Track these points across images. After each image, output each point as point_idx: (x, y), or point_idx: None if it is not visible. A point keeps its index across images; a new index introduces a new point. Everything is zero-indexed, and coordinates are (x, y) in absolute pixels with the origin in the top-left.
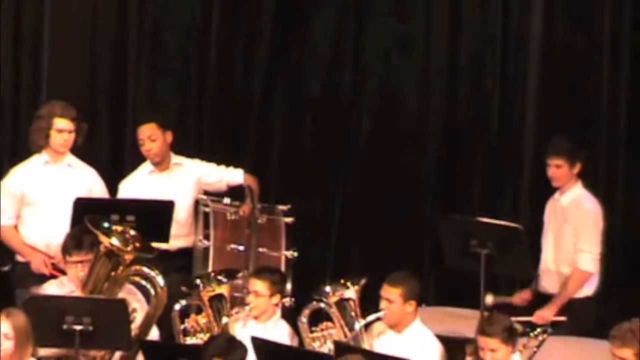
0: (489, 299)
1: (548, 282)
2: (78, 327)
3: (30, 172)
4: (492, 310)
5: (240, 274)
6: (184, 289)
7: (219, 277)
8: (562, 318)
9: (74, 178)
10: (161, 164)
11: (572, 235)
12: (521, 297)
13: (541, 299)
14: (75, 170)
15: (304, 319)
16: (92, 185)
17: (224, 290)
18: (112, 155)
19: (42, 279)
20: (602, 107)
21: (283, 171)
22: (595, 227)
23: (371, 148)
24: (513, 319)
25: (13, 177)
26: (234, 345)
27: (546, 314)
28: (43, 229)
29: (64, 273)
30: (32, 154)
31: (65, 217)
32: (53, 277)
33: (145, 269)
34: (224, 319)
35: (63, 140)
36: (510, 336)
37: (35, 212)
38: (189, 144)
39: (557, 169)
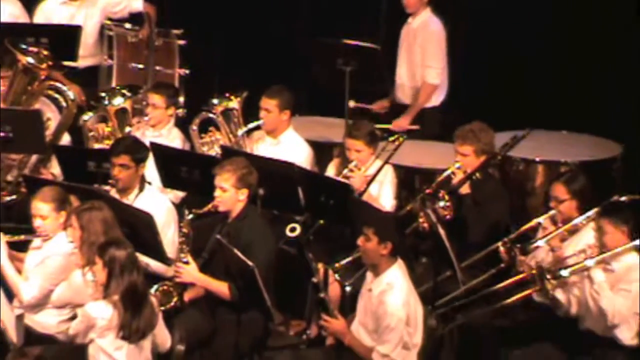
0: (351, 104)
1: (402, 94)
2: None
3: None
4: (357, 117)
5: (142, 90)
6: (92, 102)
7: (123, 91)
8: (415, 127)
9: (1, 8)
10: None
11: (420, 53)
12: (380, 105)
13: (397, 109)
14: (2, 1)
15: (194, 127)
16: (17, 16)
17: (127, 104)
18: None
19: None
20: None
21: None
22: (439, 45)
23: None
24: (375, 126)
25: None
26: (139, 145)
27: (402, 123)
28: None
29: None
30: None
31: None
32: None
33: (58, 84)
34: (127, 128)
35: None
36: (372, 140)
37: None
38: None
39: None
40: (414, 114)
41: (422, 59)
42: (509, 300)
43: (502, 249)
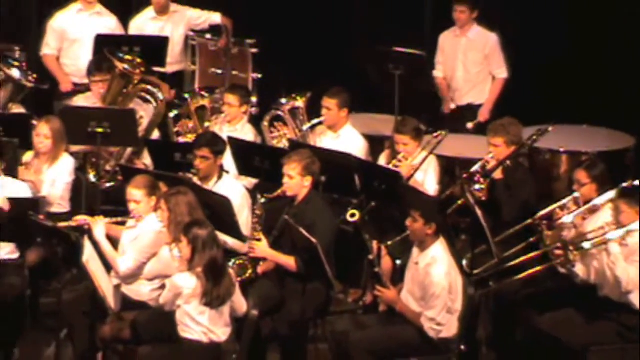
0: (470, 125)
1: (459, 97)
2: (99, 130)
3: (68, 16)
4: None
5: (217, 90)
6: (177, 101)
7: (202, 93)
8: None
9: (100, 23)
10: (162, 12)
11: (483, 58)
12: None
13: (460, 110)
14: (102, 17)
15: (265, 123)
16: (114, 29)
17: (205, 102)
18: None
19: (73, 94)
20: None
21: (251, 13)
22: (502, 51)
23: None
24: (470, 125)
25: (56, 20)
26: (218, 139)
27: (486, 112)
28: (78, 58)
29: (87, 89)
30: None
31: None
32: (78, 92)
33: (149, 87)
34: (206, 124)
35: None
36: (418, 134)
37: (72, 46)
38: None
39: (462, 14)
40: (492, 104)
41: (489, 63)
42: (535, 270)
43: None
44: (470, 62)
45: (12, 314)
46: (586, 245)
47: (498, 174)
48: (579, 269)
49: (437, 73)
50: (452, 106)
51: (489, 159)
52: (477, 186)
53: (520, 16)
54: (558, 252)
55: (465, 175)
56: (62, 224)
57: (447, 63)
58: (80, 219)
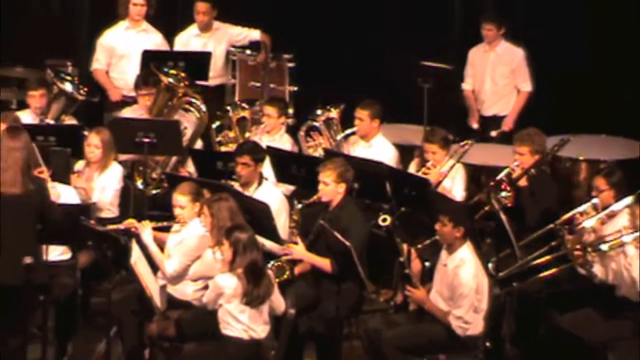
0: (493, 133)
1: (486, 109)
2: (146, 140)
3: (116, 33)
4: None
5: (257, 102)
6: (219, 113)
7: (243, 104)
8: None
9: (147, 39)
10: (205, 29)
11: (510, 72)
12: (475, 119)
13: (485, 120)
14: (148, 34)
15: (301, 133)
16: (160, 45)
17: (246, 114)
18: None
19: (122, 106)
20: None
21: (288, 30)
22: (527, 65)
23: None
24: (494, 133)
25: (105, 37)
26: (258, 148)
27: (510, 122)
28: (125, 73)
29: (135, 102)
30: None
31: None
32: (126, 105)
33: (193, 99)
34: (247, 134)
35: (137, 11)
36: (446, 143)
37: (120, 61)
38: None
39: (489, 31)
40: (515, 116)
41: (514, 77)
42: (554, 271)
43: None
44: (498, 75)
45: (65, 313)
46: (604, 247)
47: (523, 182)
48: (598, 270)
49: (466, 86)
50: (475, 126)
51: (515, 167)
52: (503, 193)
53: (543, 32)
54: (577, 253)
55: (491, 183)
56: (111, 226)
57: (476, 76)
58: (129, 223)
